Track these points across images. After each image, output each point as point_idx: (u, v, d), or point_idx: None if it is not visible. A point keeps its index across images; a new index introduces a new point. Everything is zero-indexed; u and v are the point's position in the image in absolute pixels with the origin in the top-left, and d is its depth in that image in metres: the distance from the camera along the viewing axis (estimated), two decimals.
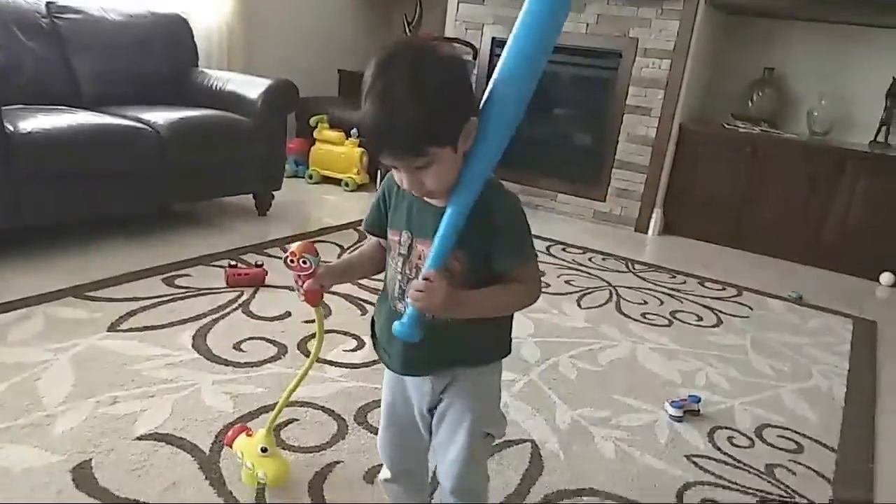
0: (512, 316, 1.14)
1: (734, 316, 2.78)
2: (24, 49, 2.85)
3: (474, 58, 3.99)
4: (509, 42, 0.98)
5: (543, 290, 2.78)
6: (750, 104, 4.04)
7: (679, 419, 1.88)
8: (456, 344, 1.06)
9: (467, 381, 1.11)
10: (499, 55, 3.89)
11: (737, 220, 3.84)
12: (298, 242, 1.13)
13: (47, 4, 3.00)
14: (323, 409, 1.70)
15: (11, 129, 2.33)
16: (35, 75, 2.87)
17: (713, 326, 2.65)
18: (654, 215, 3.95)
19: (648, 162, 3.89)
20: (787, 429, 1.92)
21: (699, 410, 1.94)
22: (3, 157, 2.29)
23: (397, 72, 0.88)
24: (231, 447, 1.42)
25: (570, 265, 3.21)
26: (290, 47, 4.46)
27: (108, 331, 1.98)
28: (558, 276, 3.01)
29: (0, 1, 2.84)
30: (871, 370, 2.42)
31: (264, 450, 1.36)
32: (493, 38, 4.13)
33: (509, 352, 1.15)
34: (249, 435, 1.41)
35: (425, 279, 0.95)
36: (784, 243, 3.74)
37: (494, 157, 0.98)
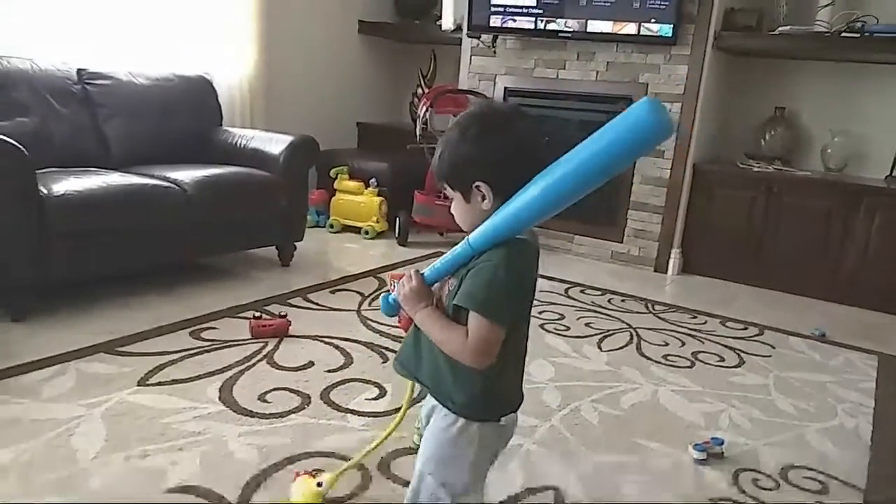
0: (487, 381, 1.12)
1: (756, 355, 2.77)
2: (56, 115, 2.98)
3: None
4: (580, 147, 1.04)
5: (563, 333, 2.81)
6: (763, 143, 4.08)
7: (703, 462, 1.88)
8: (425, 361, 1.18)
9: (437, 420, 1.19)
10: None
11: (755, 257, 3.85)
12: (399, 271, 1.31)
13: (78, 71, 3.15)
14: (345, 459, 1.73)
15: (45, 191, 2.43)
16: (67, 139, 2.99)
17: (735, 367, 2.64)
18: (672, 255, 3.97)
19: (664, 202, 3.93)
20: (812, 469, 1.91)
21: (723, 453, 1.93)
22: (37, 219, 2.39)
23: (452, 132, 1.14)
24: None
25: (590, 307, 3.23)
26: (309, 102, 4.60)
27: (139, 385, 2.03)
28: (578, 319, 3.03)
29: (34, 69, 2.98)
30: None
31: (319, 484, 1.50)
32: (506, 89, 4.24)
33: (482, 419, 1.15)
34: (314, 476, 1.55)
35: (412, 273, 1.17)
36: (803, 280, 3.73)
37: (513, 226, 1.08)
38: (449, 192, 1.16)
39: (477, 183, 1.10)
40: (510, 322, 1.09)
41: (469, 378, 1.12)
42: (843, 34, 3.52)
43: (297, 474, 1.59)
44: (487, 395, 1.14)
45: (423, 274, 1.18)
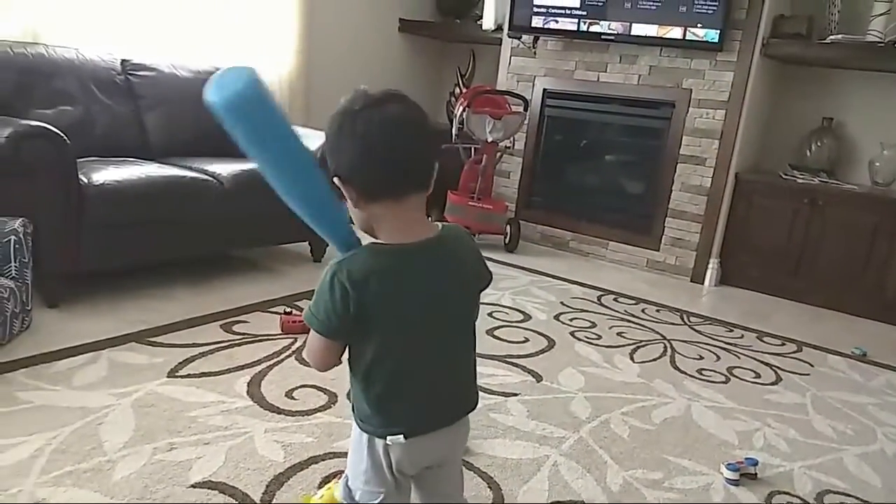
0: (366, 396, 1.10)
1: (794, 373, 2.69)
2: (99, 104, 3.02)
3: (525, 109, 4.04)
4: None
5: (594, 342, 2.77)
6: (808, 154, 3.97)
7: (735, 483, 1.82)
8: None
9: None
10: (550, 106, 3.96)
11: (796, 271, 3.74)
12: None
13: (122, 62, 3.19)
14: None
15: (85, 180, 2.46)
16: (108, 129, 3.03)
17: (772, 384, 2.57)
18: (710, 265, 3.89)
19: (703, 211, 3.85)
20: (849, 495, 1.84)
21: (756, 474, 1.87)
22: (76, 207, 2.42)
23: None
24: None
25: (623, 316, 3.17)
26: None
27: (168, 376, 2.04)
28: (610, 328, 2.98)
29: (79, 59, 3.02)
30: None
31: None
32: (545, 90, 4.19)
33: (369, 432, 1.12)
34: None
35: None
36: (845, 296, 3.62)
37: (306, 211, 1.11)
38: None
39: (334, 178, 1.07)
40: (348, 333, 1.05)
41: (356, 391, 1.13)
42: None
43: (329, 479, 1.58)
44: (374, 411, 1.10)
45: None
